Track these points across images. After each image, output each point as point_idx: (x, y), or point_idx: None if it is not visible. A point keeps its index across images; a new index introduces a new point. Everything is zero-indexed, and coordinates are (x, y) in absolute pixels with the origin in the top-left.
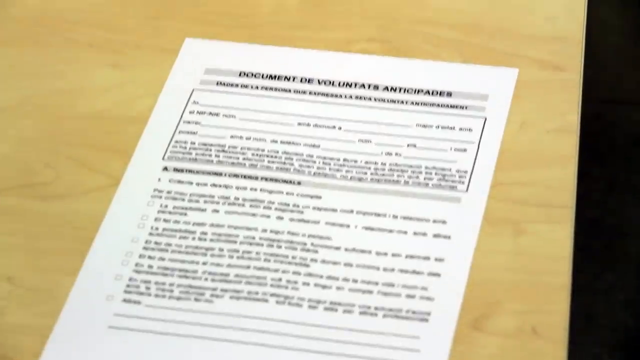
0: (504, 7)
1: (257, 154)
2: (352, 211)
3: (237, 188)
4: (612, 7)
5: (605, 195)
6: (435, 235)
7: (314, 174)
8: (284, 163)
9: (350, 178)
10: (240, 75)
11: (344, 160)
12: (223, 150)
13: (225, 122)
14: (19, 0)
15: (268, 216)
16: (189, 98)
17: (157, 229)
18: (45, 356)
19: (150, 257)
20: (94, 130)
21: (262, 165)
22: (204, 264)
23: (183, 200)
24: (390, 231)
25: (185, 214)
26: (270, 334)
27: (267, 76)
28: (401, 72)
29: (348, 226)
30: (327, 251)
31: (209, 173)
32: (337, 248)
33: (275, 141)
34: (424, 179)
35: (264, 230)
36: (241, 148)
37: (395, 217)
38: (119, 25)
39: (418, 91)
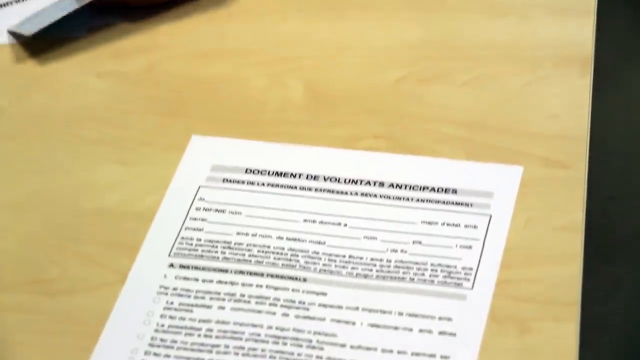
0: (508, 105)
1: (262, 251)
2: (357, 308)
3: (243, 285)
4: (617, 105)
5: (612, 291)
6: (441, 333)
7: (320, 270)
8: (290, 260)
9: (356, 275)
10: (246, 172)
11: (350, 257)
12: (229, 247)
13: (231, 219)
14: (28, 97)
15: (274, 313)
16: (196, 195)
17: (162, 325)
18: None
19: (156, 354)
20: (100, 226)
21: (267, 262)
22: None
23: (189, 297)
24: (396, 328)
25: (191, 311)
26: None
27: (273, 173)
28: (407, 170)
29: (354, 323)
30: (332, 348)
31: (214, 270)
32: (343, 345)
33: (281, 238)
34: (430, 276)
35: (270, 327)
36: (247, 245)
37: (400, 314)
38: (127, 122)
39: (423, 188)
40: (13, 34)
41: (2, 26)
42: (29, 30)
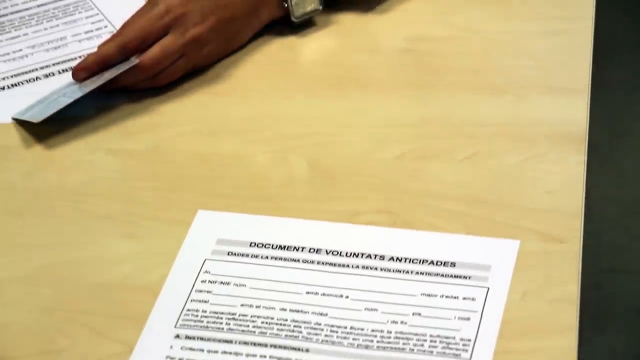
0: (506, 181)
1: (266, 322)
2: None
3: (247, 355)
4: (610, 181)
5: None
6: None
7: (322, 341)
8: (293, 331)
9: (357, 346)
10: (250, 245)
11: (351, 328)
12: (234, 319)
13: (236, 291)
14: (38, 173)
15: None
16: (201, 267)
17: None
18: None
19: None
20: (109, 298)
21: (271, 333)
22: None
23: None
24: None
25: None
26: None
27: (276, 246)
28: (407, 243)
29: None
30: None
31: (219, 341)
32: None
33: (284, 309)
34: (429, 346)
35: None
36: (251, 316)
37: None
38: (134, 197)
39: (423, 261)
40: (19, 120)
41: (12, 106)
42: (36, 117)
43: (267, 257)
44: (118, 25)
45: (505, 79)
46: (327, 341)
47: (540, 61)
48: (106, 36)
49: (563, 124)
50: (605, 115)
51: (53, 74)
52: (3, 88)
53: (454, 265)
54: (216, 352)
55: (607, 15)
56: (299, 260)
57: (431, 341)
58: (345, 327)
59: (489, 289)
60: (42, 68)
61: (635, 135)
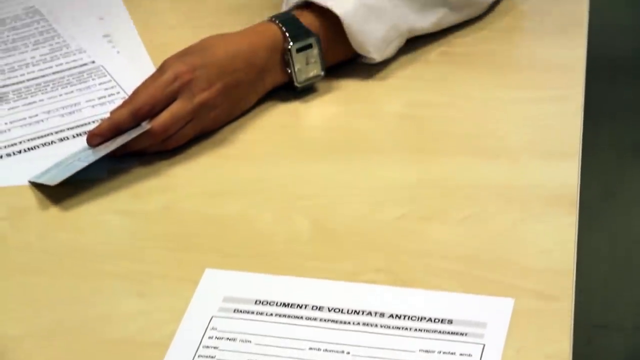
0: (500, 242)
1: None
2: None
3: None
4: (601, 240)
5: None
6: None
7: None
8: None
9: None
10: (256, 303)
11: None
12: None
13: (241, 347)
14: (53, 233)
15: None
16: (208, 324)
17: None
18: None
19: None
20: (120, 354)
21: None
22: None
23: None
24: None
25: None
26: None
27: (281, 304)
28: (405, 301)
29: None
30: None
31: None
32: None
33: None
34: None
35: None
36: None
37: None
38: (144, 257)
39: (421, 319)
40: (35, 183)
41: (28, 169)
42: (52, 180)
43: (271, 314)
44: (130, 91)
45: (500, 143)
46: None
47: (533, 126)
48: (118, 102)
49: (555, 186)
50: (596, 177)
51: (67, 138)
52: (20, 152)
53: (451, 323)
54: None
55: (597, 80)
56: (302, 318)
57: None
58: None
59: (484, 345)
60: (57, 132)
61: (624, 195)
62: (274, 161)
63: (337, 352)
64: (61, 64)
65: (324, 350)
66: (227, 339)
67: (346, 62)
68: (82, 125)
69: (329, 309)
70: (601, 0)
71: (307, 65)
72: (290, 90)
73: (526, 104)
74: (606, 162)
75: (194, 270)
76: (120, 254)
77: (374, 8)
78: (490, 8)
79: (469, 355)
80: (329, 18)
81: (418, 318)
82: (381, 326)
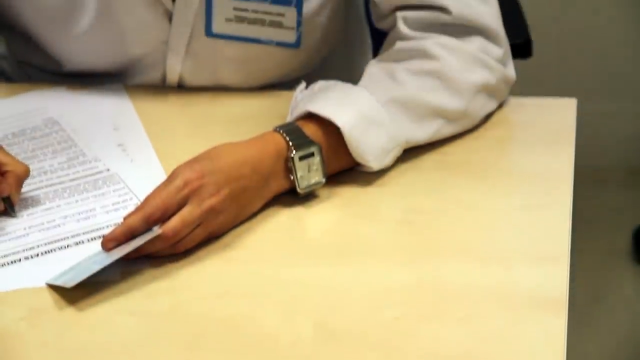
0: (493, 342)
1: None
2: None
3: None
4: (590, 337)
5: None
6: None
7: None
8: None
9: None
10: None
11: None
12: None
13: None
14: (69, 333)
15: None
16: None
17: None
18: None
19: None
20: None
21: None
22: None
23: None
24: None
25: None
26: None
27: None
28: None
29: None
30: None
31: None
32: None
33: None
34: None
35: None
36: None
37: None
38: (154, 355)
39: None
40: (52, 285)
41: (46, 272)
42: (68, 282)
43: None
44: (142, 198)
45: (492, 248)
46: None
47: (523, 232)
48: (131, 208)
49: (545, 290)
50: (585, 280)
51: (83, 242)
52: (38, 255)
53: None
54: None
55: (585, 187)
56: None
57: None
58: None
59: None
60: (73, 237)
61: (612, 299)
62: (279, 264)
63: None
64: (78, 172)
65: None
66: None
67: (346, 169)
68: (97, 229)
69: None
70: (588, 112)
71: (309, 173)
72: (293, 196)
73: (517, 211)
74: (594, 266)
75: None
76: (132, 353)
77: (373, 120)
78: (484, 120)
79: None
80: (331, 129)
81: None
82: None
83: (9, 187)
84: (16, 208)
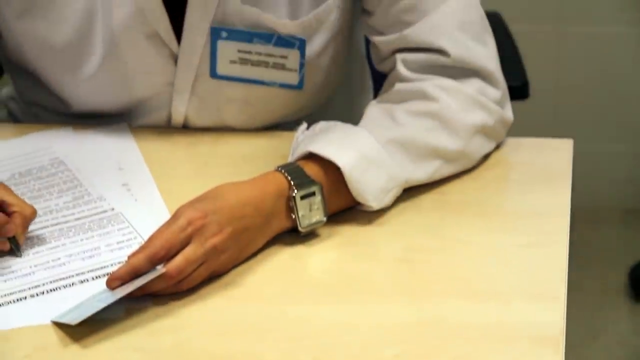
0: None
1: None
2: None
3: None
4: None
5: None
6: None
7: None
8: None
9: None
10: None
11: None
12: None
13: None
14: None
15: None
16: None
17: None
18: None
19: None
20: None
21: None
22: None
23: None
24: None
25: None
26: None
27: None
28: None
29: None
30: None
31: None
32: None
33: None
34: None
35: None
36: None
37: None
38: None
39: None
40: (57, 323)
41: (51, 310)
42: (73, 320)
43: None
44: (146, 237)
45: (490, 286)
46: None
47: (521, 270)
48: (136, 246)
49: (543, 327)
50: (581, 318)
51: (87, 280)
52: (43, 293)
53: None
54: None
55: (581, 226)
56: None
57: None
58: None
59: None
60: (77, 275)
61: (608, 335)
62: (280, 302)
63: None
64: (83, 211)
65: None
66: None
67: (347, 208)
68: (101, 268)
69: None
70: (584, 153)
71: (310, 212)
72: (295, 235)
73: (515, 249)
74: (591, 304)
75: None
76: None
77: (373, 160)
78: (482, 160)
79: None
80: (331, 169)
81: None
82: None
83: (15, 228)
84: (22, 247)
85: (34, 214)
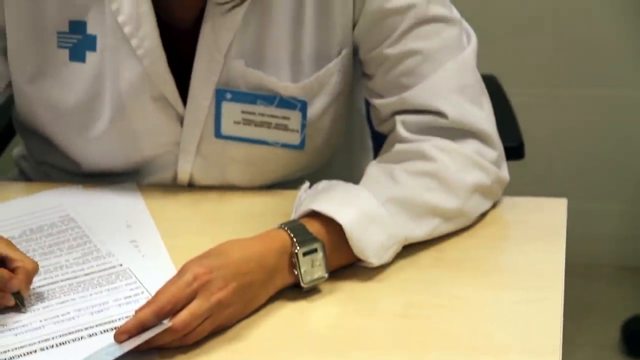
0: None
1: None
2: None
3: None
4: None
5: None
6: None
7: None
8: None
9: None
10: None
11: None
12: None
13: None
14: None
15: None
16: None
17: None
18: None
19: None
20: None
21: None
22: None
23: None
24: None
25: None
26: None
27: None
28: None
29: None
30: None
31: None
32: None
33: None
34: None
35: None
36: None
37: None
38: None
39: None
40: None
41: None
42: None
43: None
44: (153, 292)
45: (487, 341)
46: None
47: (517, 325)
48: (143, 301)
49: None
50: None
51: (96, 334)
52: (52, 346)
53: None
54: None
55: (575, 282)
56: None
57: None
58: None
59: None
60: (86, 329)
61: None
62: (283, 356)
63: None
64: (92, 267)
65: None
66: None
67: (348, 264)
68: (109, 322)
69: None
70: (578, 211)
71: (312, 268)
72: (297, 290)
73: (511, 305)
74: (585, 358)
75: None
76: None
77: (373, 218)
78: (479, 218)
79: None
80: (333, 226)
81: None
82: None
83: (19, 283)
84: (32, 301)
85: (36, 269)
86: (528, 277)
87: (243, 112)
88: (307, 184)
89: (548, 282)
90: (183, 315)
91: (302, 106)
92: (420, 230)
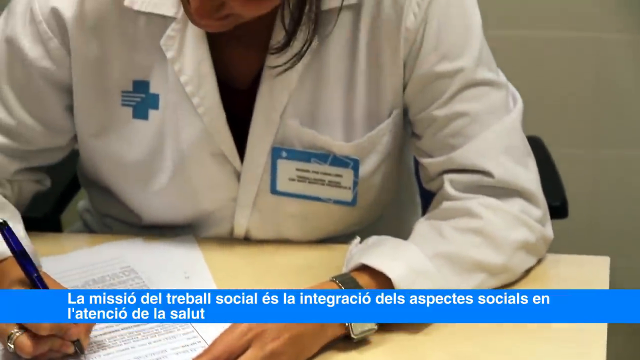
0: None
1: None
2: None
3: None
4: None
5: None
6: None
7: None
8: None
9: None
10: None
11: None
12: None
13: None
14: None
15: None
16: None
17: None
18: None
19: None
20: None
21: None
22: None
23: None
24: None
25: None
26: None
27: None
28: None
29: None
30: None
31: None
32: None
33: None
34: None
35: None
36: None
37: None
38: None
39: None
40: None
41: None
42: None
43: None
44: (210, 341)
45: None
46: None
47: None
48: (199, 350)
49: None
50: None
51: None
52: None
53: None
54: None
55: (618, 339)
56: None
57: None
58: None
59: None
60: None
61: None
62: None
63: None
64: None
65: None
66: None
67: None
68: None
69: None
70: (620, 268)
71: None
72: (348, 342)
73: (556, 358)
74: None
75: None
76: None
77: (421, 272)
78: (523, 274)
79: None
80: (382, 280)
81: None
82: None
83: (79, 332)
84: (94, 348)
85: None
86: (572, 334)
87: (297, 169)
88: (357, 238)
89: (591, 338)
90: None
91: (355, 164)
92: (466, 284)
